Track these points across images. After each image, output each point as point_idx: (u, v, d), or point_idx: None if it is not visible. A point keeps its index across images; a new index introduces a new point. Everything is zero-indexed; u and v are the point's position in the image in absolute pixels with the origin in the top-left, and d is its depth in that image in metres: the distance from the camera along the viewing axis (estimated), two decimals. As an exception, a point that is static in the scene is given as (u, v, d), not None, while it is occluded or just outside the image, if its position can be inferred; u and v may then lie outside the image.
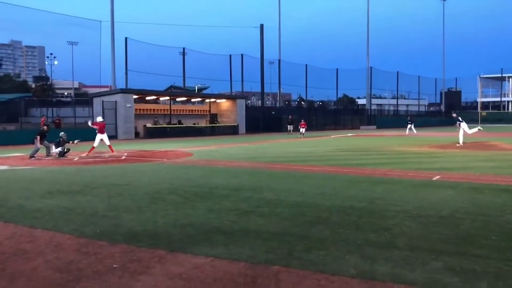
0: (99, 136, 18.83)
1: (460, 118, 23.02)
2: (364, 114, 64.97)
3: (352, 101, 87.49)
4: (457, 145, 21.96)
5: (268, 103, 75.98)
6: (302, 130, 35.67)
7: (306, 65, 60.37)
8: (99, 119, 20.29)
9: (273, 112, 53.60)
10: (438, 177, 11.14)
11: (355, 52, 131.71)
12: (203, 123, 42.13)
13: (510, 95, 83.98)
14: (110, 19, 41.77)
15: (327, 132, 45.72)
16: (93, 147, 18.75)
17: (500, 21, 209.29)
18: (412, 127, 38.63)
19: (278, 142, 28.15)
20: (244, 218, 6.87)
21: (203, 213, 7.34)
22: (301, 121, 37.32)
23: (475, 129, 23.17)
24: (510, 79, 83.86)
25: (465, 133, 22.48)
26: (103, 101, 33.04)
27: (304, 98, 74.02)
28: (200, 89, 62.74)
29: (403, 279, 4.21)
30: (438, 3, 80.00)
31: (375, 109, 69.70)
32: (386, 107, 75.77)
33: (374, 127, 58.07)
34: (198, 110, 44.18)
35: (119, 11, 67.97)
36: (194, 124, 40.76)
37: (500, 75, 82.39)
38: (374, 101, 71.64)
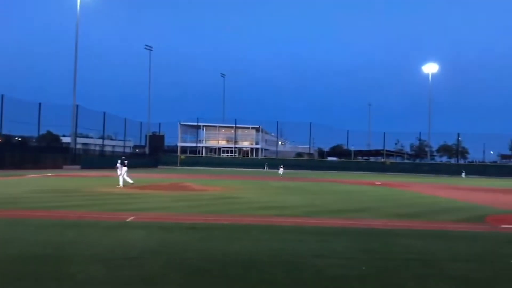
0: None
1: (124, 162, 24.13)
2: (69, 153, 61.95)
3: (56, 138, 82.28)
4: (117, 187, 22.64)
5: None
6: None
7: (2, 95, 53.86)
8: None
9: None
10: (132, 218, 11.44)
11: (62, 86, 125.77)
12: None
13: (204, 142, 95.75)
14: None
15: (26, 171, 41.32)
16: None
17: (198, 72, 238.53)
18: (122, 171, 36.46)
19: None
20: None
21: None
22: None
23: (129, 180, 23.76)
24: (204, 128, 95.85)
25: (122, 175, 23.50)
26: None
27: (-1, 132, 65.28)
28: None
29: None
30: (145, 52, 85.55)
31: (80, 148, 67.51)
32: (92, 147, 74.47)
33: (79, 166, 55.95)
34: None
35: None
36: None
37: (196, 124, 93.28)
38: (80, 140, 69.38)
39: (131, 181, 23.85)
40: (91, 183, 25.75)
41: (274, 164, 68.51)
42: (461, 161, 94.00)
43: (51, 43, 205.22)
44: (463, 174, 66.92)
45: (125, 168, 23.95)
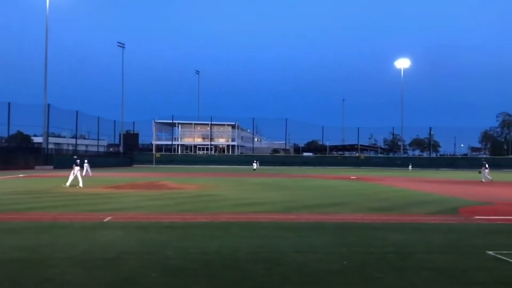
0: None
1: (76, 162, 23.71)
2: (41, 153, 60.54)
3: (27, 138, 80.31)
4: (63, 185, 22.20)
5: None
6: None
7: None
8: None
9: None
10: (109, 218, 11.27)
11: (33, 85, 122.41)
12: None
13: (179, 139, 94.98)
14: None
15: (-6, 172, 40.19)
16: None
17: (172, 70, 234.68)
18: (84, 168, 35.04)
19: None
20: None
21: None
22: None
23: (79, 181, 23.04)
24: (179, 125, 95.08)
25: (86, 174, 23.16)
26: None
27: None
28: None
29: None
30: (118, 49, 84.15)
31: (53, 148, 66.04)
32: (65, 147, 72.95)
33: (51, 167, 54.74)
34: None
35: None
36: None
37: (171, 121, 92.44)
38: (52, 139, 67.89)
39: (80, 184, 22.78)
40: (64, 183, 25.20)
41: (250, 160, 68.42)
42: (433, 154, 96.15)
43: (20, 41, 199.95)
44: (410, 167, 69.56)
45: (77, 168, 23.45)
